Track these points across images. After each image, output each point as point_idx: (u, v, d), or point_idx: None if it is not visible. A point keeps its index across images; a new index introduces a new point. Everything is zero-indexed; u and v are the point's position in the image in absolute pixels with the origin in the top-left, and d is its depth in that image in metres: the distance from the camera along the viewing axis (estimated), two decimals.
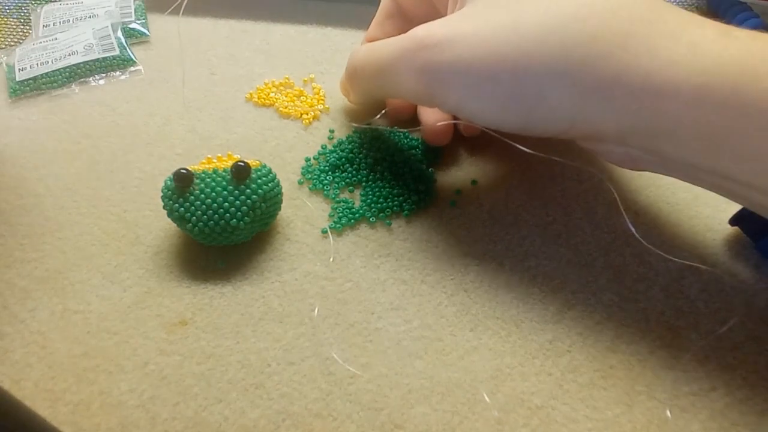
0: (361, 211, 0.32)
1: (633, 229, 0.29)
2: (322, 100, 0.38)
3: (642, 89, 0.22)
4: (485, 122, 0.27)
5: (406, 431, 0.25)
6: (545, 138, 0.27)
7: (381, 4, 0.35)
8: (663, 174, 0.26)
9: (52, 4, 0.44)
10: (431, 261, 0.30)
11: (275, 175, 0.30)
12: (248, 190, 0.29)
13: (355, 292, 0.29)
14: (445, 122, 0.32)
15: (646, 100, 0.22)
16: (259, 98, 0.38)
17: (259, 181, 0.29)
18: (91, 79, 0.40)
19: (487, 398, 0.25)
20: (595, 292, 0.29)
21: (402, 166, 0.33)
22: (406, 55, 0.27)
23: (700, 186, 0.25)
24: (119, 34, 0.42)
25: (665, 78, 0.22)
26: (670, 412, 0.25)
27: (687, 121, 0.22)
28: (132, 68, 0.40)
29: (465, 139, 0.35)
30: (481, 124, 0.28)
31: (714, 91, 0.21)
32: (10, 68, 0.40)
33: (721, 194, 0.24)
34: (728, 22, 0.41)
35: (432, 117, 0.33)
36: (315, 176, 0.34)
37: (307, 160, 0.34)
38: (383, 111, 0.35)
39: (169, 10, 0.42)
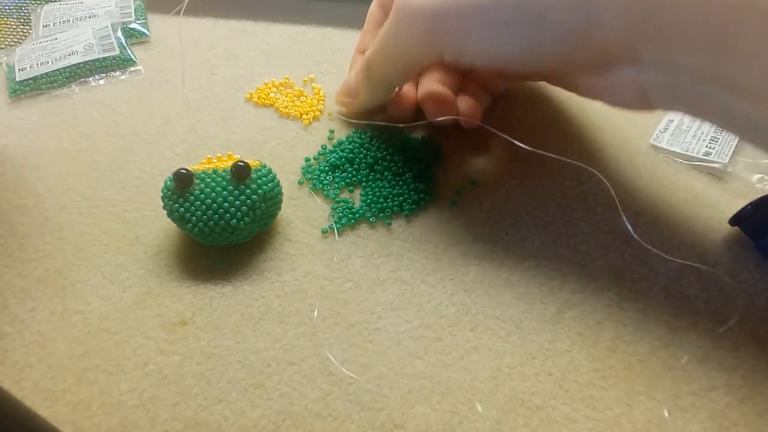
0: (361, 211, 0.32)
1: (631, 229, 0.29)
2: (322, 100, 0.38)
3: None
4: (490, 56, 0.27)
5: (406, 431, 0.25)
6: (554, 75, 0.27)
7: (368, 13, 0.35)
8: (671, 109, 0.25)
9: (52, 4, 0.44)
10: (431, 261, 0.30)
11: (275, 175, 0.30)
12: (248, 190, 0.29)
13: (355, 292, 0.29)
14: (447, 117, 0.32)
15: None
16: (259, 98, 0.38)
17: (259, 181, 0.29)
18: (91, 79, 0.40)
19: (479, 407, 0.25)
20: (595, 292, 0.29)
21: (402, 166, 0.33)
22: (401, 9, 0.27)
23: (706, 118, 0.25)
24: (119, 34, 0.42)
25: None
26: (668, 413, 0.25)
27: (695, 20, 0.22)
28: (132, 68, 0.40)
29: (465, 139, 0.35)
30: (487, 62, 0.28)
31: None
32: (10, 68, 0.40)
33: (726, 126, 0.24)
34: None
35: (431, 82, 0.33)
36: (315, 176, 0.34)
37: (307, 160, 0.34)
38: (378, 121, 0.35)
39: (173, 12, 0.42)
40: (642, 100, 0.26)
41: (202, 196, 0.28)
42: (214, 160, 0.30)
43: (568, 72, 0.27)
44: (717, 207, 0.31)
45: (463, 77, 0.35)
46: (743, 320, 0.27)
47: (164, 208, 0.29)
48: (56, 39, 0.41)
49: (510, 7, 0.25)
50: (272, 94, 0.38)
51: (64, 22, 0.43)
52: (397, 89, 0.34)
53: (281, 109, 0.37)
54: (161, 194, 0.29)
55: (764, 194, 0.29)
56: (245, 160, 0.29)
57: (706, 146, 0.33)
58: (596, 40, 0.24)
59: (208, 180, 0.29)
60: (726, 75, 0.22)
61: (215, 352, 0.27)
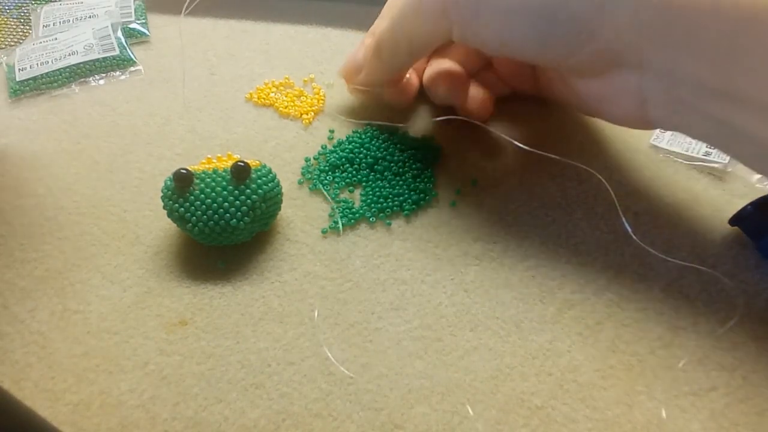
0: (361, 211, 0.32)
1: (630, 230, 0.29)
2: (322, 100, 0.38)
3: None
4: (499, 41, 0.27)
5: (406, 431, 0.25)
6: (562, 65, 0.26)
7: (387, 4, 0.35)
8: (668, 126, 0.25)
9: (52, 4, 0.44)
10: (431, 261, 0.30)
11: (275, 175, 0.30)
12: (248, 190, 0.29)
13: (355, 292, 0.29)
14: (446, 117, 0.32)
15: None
16: (259, 98, 0.38)
17: (259, 181, 0.29)
18: (91, 79, 0.40)
19: (470, 410, 0.25)
20: (595, 292, 0.29)
21: (402, 166, 0.33)
22: None
23: (703, 136, 0.24)
24: (119, 34, 0.42)
25: None
26: (668, 413, 0.25)
27: (703, 29, 0.22)
28: (132, 68, 0.40)
29: (465, 139, 0.35)
30: (495, 46, 0.27)
31: None
32: (10, 68, 0.40)
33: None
34: None
35: (439, 65, 0.32)
36: (315, 176, 0.34)
37: (307, 160, 0.34)
38: (378, 121, 0.35)
39: (177, 12, 0.42)
40: (640, 112, 0.26)
41: (202, 196, 0.28)
42: (214, 160, 0.31)
43: (574, 70, 0.27)
44: (717, 207, 0.31)
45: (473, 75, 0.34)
46: (743, 320, 0.27)
47: (164, 208, 0.29)
48: (56, 39, 0.41)
49: None
50: (272, 94, 0.38)
51: (64, 22, 0.43)
52: (406, 76, 0.33)
53: (281, 109, 0.37)
54: (161, 194, 0.29)
55: (764, 194, 0.29)
56: (245, 160, 0.29)
57: (707, 146, 0.33)
58: (604, 37, 0.24)
59: (208, 180, 0.29)
60: (731, 89, 0.22)
61: (215, 352, 0.27)
